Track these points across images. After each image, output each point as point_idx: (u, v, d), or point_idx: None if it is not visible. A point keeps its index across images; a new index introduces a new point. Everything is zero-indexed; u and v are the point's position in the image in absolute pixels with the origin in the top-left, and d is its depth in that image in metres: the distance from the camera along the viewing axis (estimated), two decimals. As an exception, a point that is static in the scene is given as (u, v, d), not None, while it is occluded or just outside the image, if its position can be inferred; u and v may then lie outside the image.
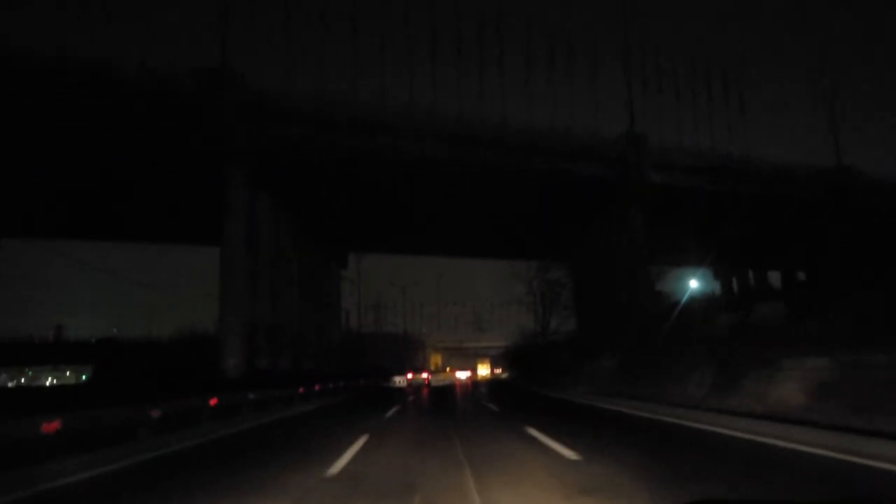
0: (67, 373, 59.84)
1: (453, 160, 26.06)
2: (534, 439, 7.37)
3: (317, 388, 17.42)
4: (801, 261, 39.10)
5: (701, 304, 22.29)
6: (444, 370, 65.27)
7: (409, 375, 42.72)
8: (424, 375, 45.01)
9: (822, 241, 29.93)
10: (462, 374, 55.78)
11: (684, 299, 26.34)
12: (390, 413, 13.06)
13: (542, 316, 39.13)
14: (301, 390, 15.71)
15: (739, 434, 6.94)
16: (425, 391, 29.63)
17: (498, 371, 63.25)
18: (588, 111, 28.61)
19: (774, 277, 43.22)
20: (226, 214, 21.88)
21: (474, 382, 45.73)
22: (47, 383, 51.65)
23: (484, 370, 65.82)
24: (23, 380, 58.77)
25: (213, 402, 9.98)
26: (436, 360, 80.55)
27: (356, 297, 48.56)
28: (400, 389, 33.54)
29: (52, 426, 6.42)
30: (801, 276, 41.46)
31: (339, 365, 34.80)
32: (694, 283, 29.85)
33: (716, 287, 41.49)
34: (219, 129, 21.78)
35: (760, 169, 30.91)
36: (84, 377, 43.85)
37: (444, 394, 24.66)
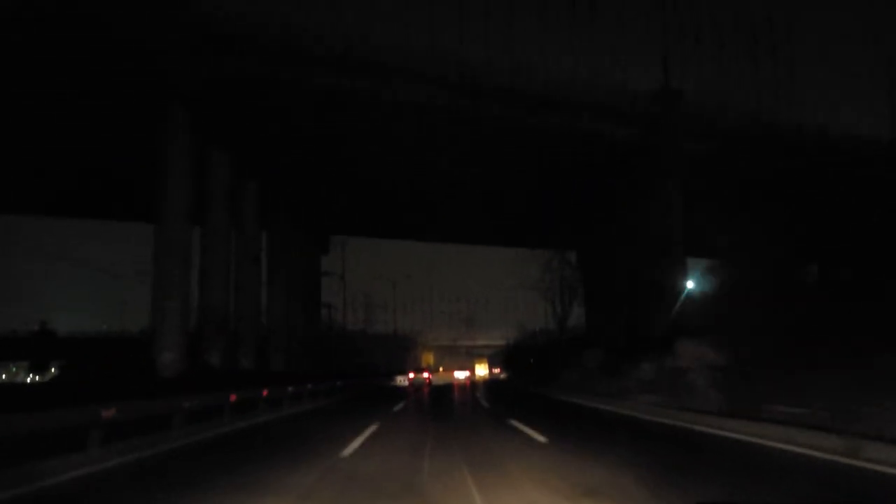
0: (53, 369, 56.99)
1: (454, 113, 21.32)
2: None
3: (264, 394, 12.39)
4: (843, 253, 34.31)
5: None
6: (438, 370, 61.69)
7: (411, 375, 42.97)
8: (425, 375, 43.81)
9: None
10: (461, 374, 53.81)
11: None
12: (351, 448, 7.23)
13: (560, 306, 33.66)
14: (233, 398, 10.75)
15: None
16: (426, 390, 29.86)
17: (496, 371, 58.95)
18: (616, 66, 23.68)
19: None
20: (161, 168, 16.92)
21: (473, 383, 42.27)
22: (28, 380, 48.27)
23: (482, 370, 61.60)
24: (3, 376, 55.20)
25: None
26: (428, 359, 76.02)
27: (341, 288, 43.67)
28: (399, 389, 32.77)
29: None
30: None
31: (320, 364, 30.01)
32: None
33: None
34: (157, 61, 16.92)
35: (814, 138, 26.37)
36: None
37: (443, 401, 19.76)
